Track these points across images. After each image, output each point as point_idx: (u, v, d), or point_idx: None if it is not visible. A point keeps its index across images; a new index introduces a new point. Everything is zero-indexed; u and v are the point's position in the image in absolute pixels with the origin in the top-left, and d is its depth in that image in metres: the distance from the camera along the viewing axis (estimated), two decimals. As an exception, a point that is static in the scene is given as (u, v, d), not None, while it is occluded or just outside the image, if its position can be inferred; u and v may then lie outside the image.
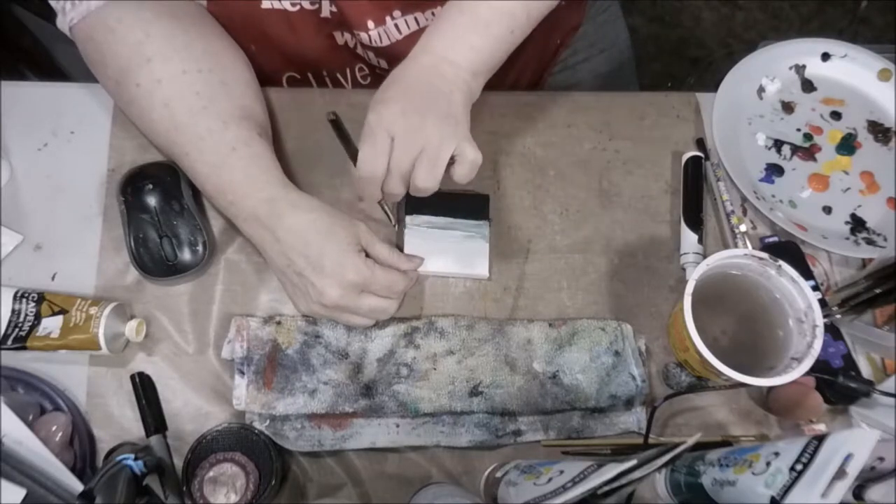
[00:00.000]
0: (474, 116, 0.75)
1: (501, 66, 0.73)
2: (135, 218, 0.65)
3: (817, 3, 1.80)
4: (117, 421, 0.62)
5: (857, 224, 0.74)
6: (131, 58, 0.60)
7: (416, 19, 0.73)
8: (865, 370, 0.68)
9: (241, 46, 0.72)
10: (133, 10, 0.61)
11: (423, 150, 0.57)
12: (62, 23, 0.63)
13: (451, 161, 0.59)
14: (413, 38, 0.72)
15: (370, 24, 0.71)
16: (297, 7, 0.70)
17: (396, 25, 0.73)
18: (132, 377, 0.61)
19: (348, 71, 0.81)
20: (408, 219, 0.69)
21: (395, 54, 0.74)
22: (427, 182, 0.58)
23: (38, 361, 0.62)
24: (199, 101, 0.61)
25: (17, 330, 0.60)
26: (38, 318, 0.61)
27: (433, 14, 0.73)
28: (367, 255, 0.62)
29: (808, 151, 0.77)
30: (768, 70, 0.80)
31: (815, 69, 0.81)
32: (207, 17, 0.66)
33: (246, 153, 0.61)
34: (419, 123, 0.57)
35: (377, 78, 0.81)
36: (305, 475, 0.62)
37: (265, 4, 0.69)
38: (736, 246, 0.71)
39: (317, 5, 0.71)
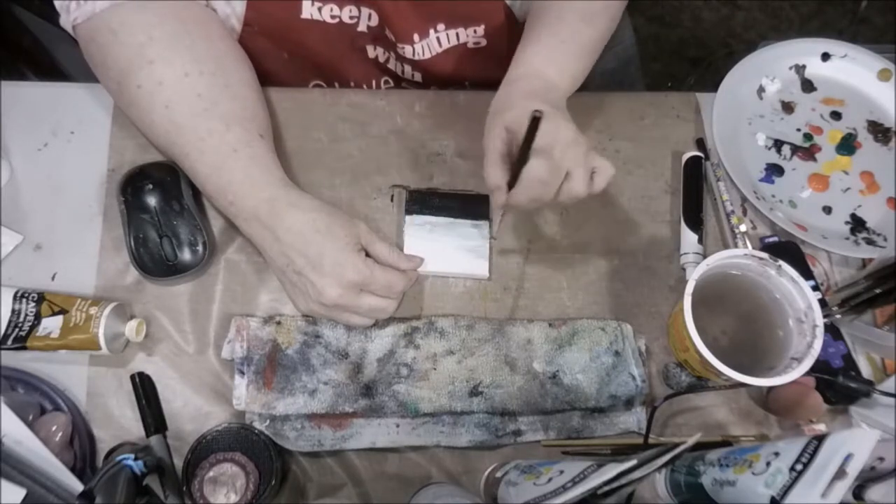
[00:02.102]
0: (475, 115, 0.75)
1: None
2: (135, 218, 0.65)
3: (817, 3, 1.80)
4: (117, 421, 0.62)
5: (857, 224, 0.74)
6: (133, 60, 0.60)
7: (457, 35, 0.76)
8: (865, 370, 0.68)
9: (274, 53, 0.73)
10: (137, 12, 0.61)
11: (577, 160, 0.58)
12: (65, 22, 0.63)
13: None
14: (451, 53, 0.77)
15: (416, 37, 0.73)
16: (336, 20, 0.72)
17: (438, 39, 0.75)
18: (132, 377, 0.61)
19: (374, 83, 0.83)
20: (408, 219, 0.69)
21: (431, 67, 0.77)
22: (583, 190, 0.59)
23: (38, 361, 0.62)
24: (200, 102, 0.61)
25: (17, 330, 0.60)
26: (38, 318, 0.61)
27: (475, 31, 0.76)
28: (367, 255, 0.62)
29: (808, 151, 0.77)
30: (768, 70, 0.80)
31: (815, 69, 0.81)
32: (212, 19, 0.66)
33: (247, 154, 0.61)
34: (576, 135, 0.58)
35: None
36: (305, 475, 0.62)
37: (305, 15, 0.71)
38: (736, 246, 0.71)
39: (355, 20, 0.72)
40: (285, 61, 0.75)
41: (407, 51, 0.74)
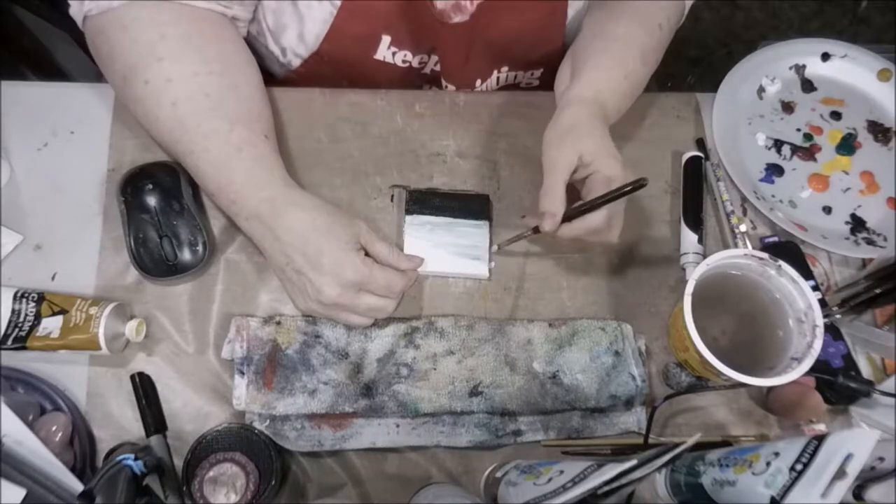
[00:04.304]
0: (474, 116, 0.75)
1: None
2: (135, 218, 0.65)
3: (817, 3, 1.80)
4: (117, 421, 0.62)
5: (857, 224, 0.74)
6: (142, 56, 0.61)
7: (515, 76, 0.79)
8: (865, 370, 0.68)
9: (333, 80, 0.75)
10: (151, 10, 0.61)
11: (620, 213, 0.63)
12: (76, 12, 0.63)
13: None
14: (502, 90, 0.80)
15: (478, 82, 0.77)
16: (407, 65, 0.74)
17: (498, 79, 0.78)
18: (132, 377, 0.61)
19: None
20: (408, 219, 0.69)
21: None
22: (616, 241, 0.64)
23: (38, 361, 0.62)
24: (207, 101, 0.61)
25: (17, 330, 0.60)
26: (38, 318, 0.61)
27: (532, 74, 0.79)
28: (367, 254, 0.62)
29: (808, 151, 0.77)
30: (768, 70, 0.80)
31: (815, 69, 0.81)
32: (224, 23, 0.66)
33: (251, 154, 0.61)
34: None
35: None
36: (305, 475, 0.62)
37: (378, 56, 0.73)
38: (736, 246, 0.71)
39: (423, 65, 0.75)
40: (341, 87, 0.77)
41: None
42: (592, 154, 0.60)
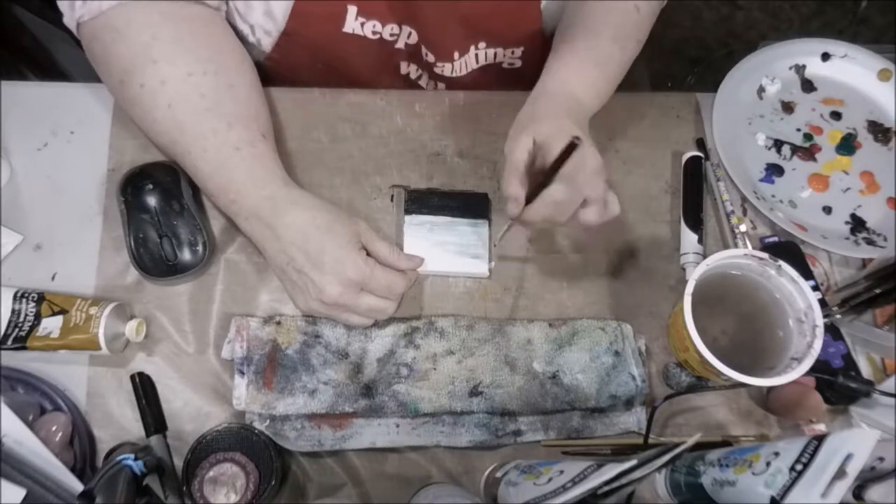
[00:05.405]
0: (474, 115, 0.75)
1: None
2: (135, 218, 0.65)
3: (817, 3, 1.80)
4: (117, 421, 0.62)
5: (857, 224, 0.74)
6: (137, 58, 0.61)
7: (495, 54, 0.77)
8: (865, 370, 0.68)
9: (309, 64, 0.74)
10: (142, 12, 0.61)
11: (597, 191, 0.59)
12: (69, 20, 0.63)
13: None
14: (485, 71, 0.79)
15: (456, 54, 0.75)
16: (377, 37, 0.73)
17: (476, 56, 0.77)
18: (132, 377, 0.61)
19: None
20: (407, 218, 0.69)
21: (463, 86, 0.78)
22: (596, 220, 0.60)
23: (38, 361, 0.62)
24: (203, 102, 0.61)
25: (17, 330, 0.60)
26: (38, 318, 0.61)
27: (513, 52, 0.77)
28: (368, 254, 0.62)
29: (808, 151, 0.77)
30: (768, 70, 0.80)
31: (815, 69, 0.81)
32: (216, 20, 0.66)
33: (249, 154, 0.61)
34: (601, 165, 0.59)
35: None
36: (305, 475, 0.62)
37: (346, 29, 0.71)
38: (736, 246, 0.71)
39: (395, 37, 0.73)
40: (318, 72, 0.76)
41: (446, 69, 0.75)
42: (545, 135, 0.59)
